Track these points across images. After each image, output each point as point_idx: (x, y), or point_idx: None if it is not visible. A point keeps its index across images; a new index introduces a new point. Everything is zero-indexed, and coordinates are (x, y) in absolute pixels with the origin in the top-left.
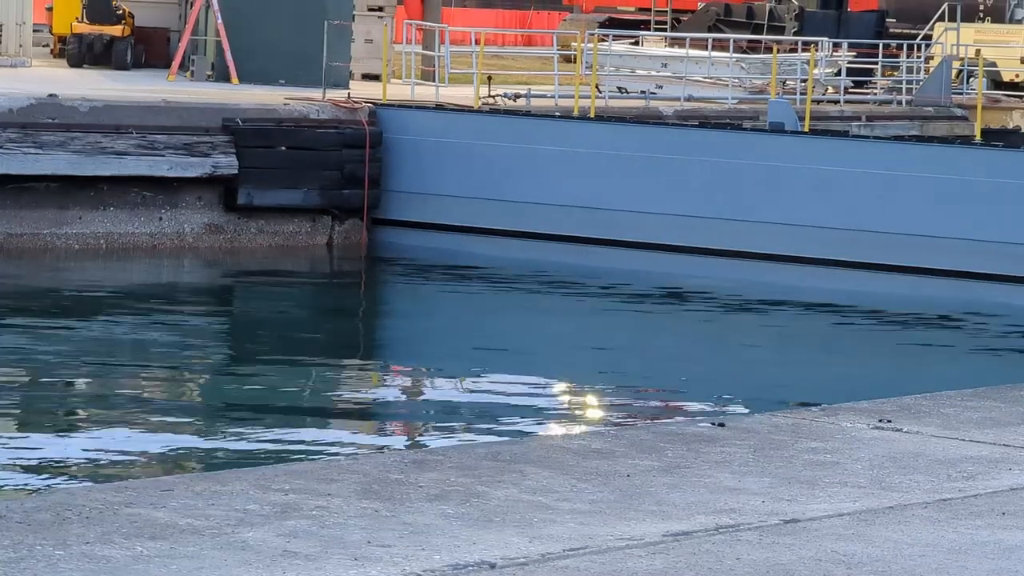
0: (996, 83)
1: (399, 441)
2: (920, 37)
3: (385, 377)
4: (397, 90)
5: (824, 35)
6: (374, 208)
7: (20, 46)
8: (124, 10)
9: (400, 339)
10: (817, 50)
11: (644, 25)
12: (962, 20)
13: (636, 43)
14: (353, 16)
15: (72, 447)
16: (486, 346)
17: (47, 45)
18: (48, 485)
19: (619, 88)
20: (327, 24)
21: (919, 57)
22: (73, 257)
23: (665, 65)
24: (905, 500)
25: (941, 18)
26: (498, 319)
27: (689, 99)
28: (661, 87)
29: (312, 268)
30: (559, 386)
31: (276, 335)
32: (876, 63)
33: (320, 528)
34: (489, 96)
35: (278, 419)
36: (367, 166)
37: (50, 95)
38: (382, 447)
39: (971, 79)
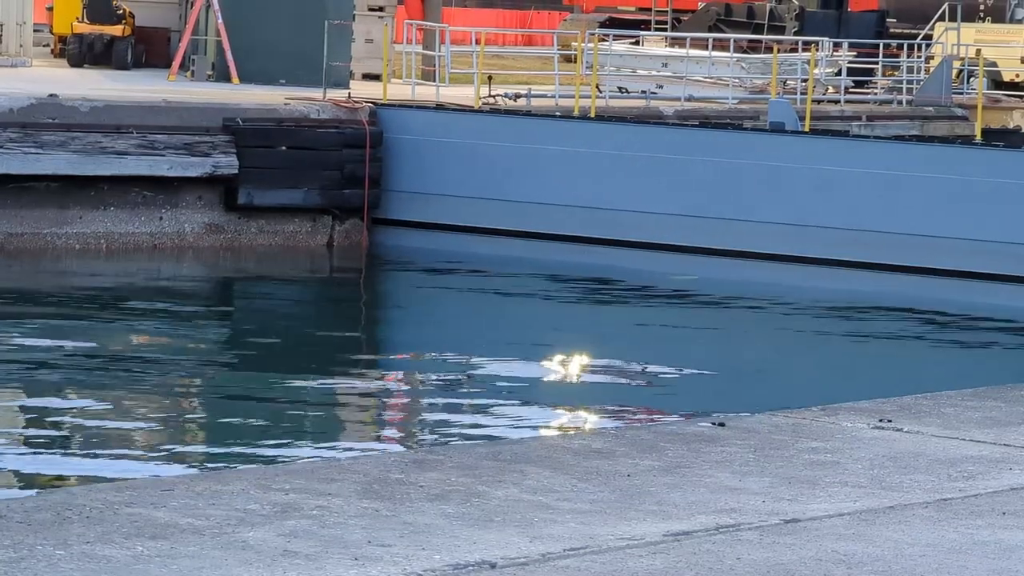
0: (996, 83)
1: (399, 441)
2: (920, 37)
3: (385, 377)
4: (397, 90)
5: (824, 35)
6: (374, 208)
7: (20, 46)
8: (124, 10)
9: (400, 339)
10: (817, 50)
11: (644, 25)
12: (962, 20)
13: (636, 43)
14: (353, 16)
15: (72, 447)
16: (486, 346)
17: (47, 45)
18: (48, 485)
19: (620, 88)
20: (327, 24)
21: (919, 57)
22: (73, 257)
23: (665, 65)
24: (905, 500)
25: (941, 18)
26: (498, 319)
27: (689, 99)
28: (661, 87)
29: (312, 268)
30: (559, 386)
31: (276, 335)
32: (876, 63)
33: (320, 528)
34: (489, 96)
35: (278, 419)
36: (367, 166)
37: (50, 95)
38: (382, 447)
39: (971, 79)
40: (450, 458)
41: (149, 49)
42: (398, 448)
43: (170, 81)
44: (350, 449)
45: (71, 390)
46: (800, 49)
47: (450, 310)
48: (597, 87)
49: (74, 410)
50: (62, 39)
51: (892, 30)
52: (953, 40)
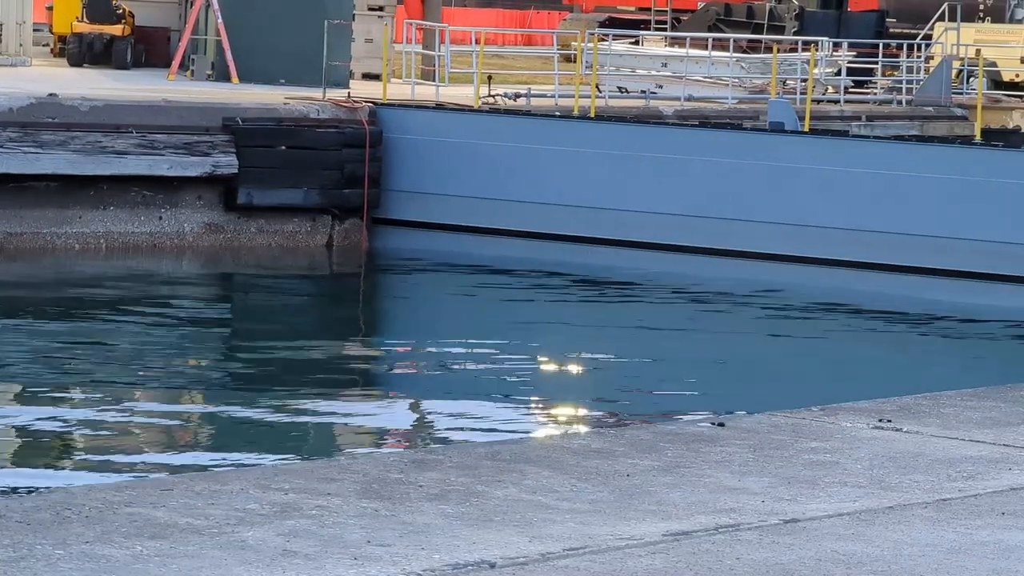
0: (996, 83)
1: (399, 441)
2: (920, 37)
3: (384, 376)
4: (397, 90)
5: (824, 35)
6: (374, 208)
7: (20, 45)
8: (124, 9)
9: (399, 339)
10: (817, 50)
11: (644, 25)
12: (962, 20)
13: (636, 43)
14: (353, 16)
15: (72, 447)
16: (486, 346)
17: (47, 44)
18: (48, 485)
19: (619, 88)
20: (327, 24)
21: (919, 57)
22: (73, 256)
23: (665, 65)
24: (905, 500)
25: (941, 18)
26: (497, 319)
27: (689, 99)
28: (661, 87)
29: (312, 267)
30: (559, 385)
31: (275, 334)
32: (876, 63)
33: (320, 528)
34: (489, 96)
35: (278, 419)
36: (367, 165)
37: (50, 94)
38: (381, 447)
39: (971, 79)
40: (449, 458)
41: (149, 49)
42: (397, 448)
43: (170, 81)
44: (349, 449)
45: (70, 390)
46: (800, 49)
47: (450, 310)
48: (597, 87)
49: (73, 410)
50: (62, 39)
51: (892, 30)
52: (953, 40)
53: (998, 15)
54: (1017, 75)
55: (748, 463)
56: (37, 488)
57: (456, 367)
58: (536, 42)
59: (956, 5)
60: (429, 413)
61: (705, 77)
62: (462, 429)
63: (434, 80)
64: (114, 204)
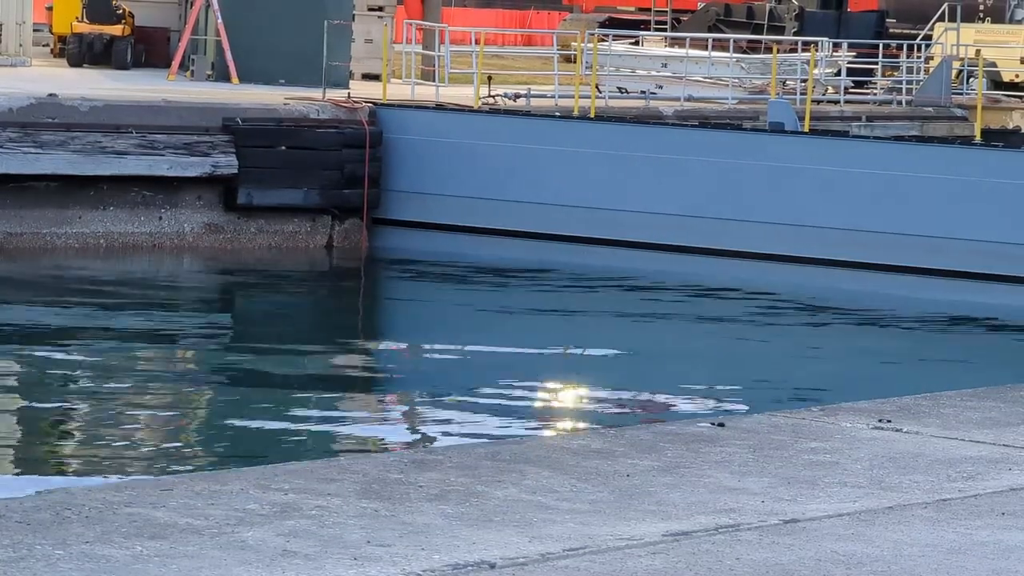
0: (996, 83)
1: (399, 441)
2: (920, 37)
3: (384, 376)
4: (397, 90)
5: (824, 35)
6: (374, 208)
7: (20, 45)
8: (124, 10)
9: (399, 339)
10: (817, 50)
11: (644, 25)
12: (962, 20)
13: (636, 43)
14: (353, 16)
15: (72, 447)
16: (485, 346)
17: (47, 45)
18: (48, 485)
19: (619, 88)
20: (327, 24)
21: (919, 57)
22: (73, 256)
23: (665, 65)
24: (905, 500)
25: (941, 18)
26: (497, 319)
27: (689, 99)
28: (661, 87)
29: (312, 268)
30: (559, 386)
31: (275, 335)
32: (876, 63)
33: (320, 528)
34: (489, 96)
35: (278, 419)
36: (367, 166)
37: (50, 94)
38: (382, 447)
39: (971, 79)
40: (449, 458)
41: (149, 49)
42: (397, 448)
43: (170, 81)
44: (349, 449)
45: (70, 389)
46: (800, 49)
47: (449, 310)
48: (597, 87)
49: (73, 410)
50: (62, 39)
51: (892, 30)
52: (953, 40)
53: (998, 15)
54: (1017, 75)
55: (748, 463)
56: (37, 488)
57: (456, 367)
58: (536, 42)
59: (956, 5)
60: (429, 413)
61: (705, 77)
62: (462, 429)
63: (434, 80)
64: (114, 204)
